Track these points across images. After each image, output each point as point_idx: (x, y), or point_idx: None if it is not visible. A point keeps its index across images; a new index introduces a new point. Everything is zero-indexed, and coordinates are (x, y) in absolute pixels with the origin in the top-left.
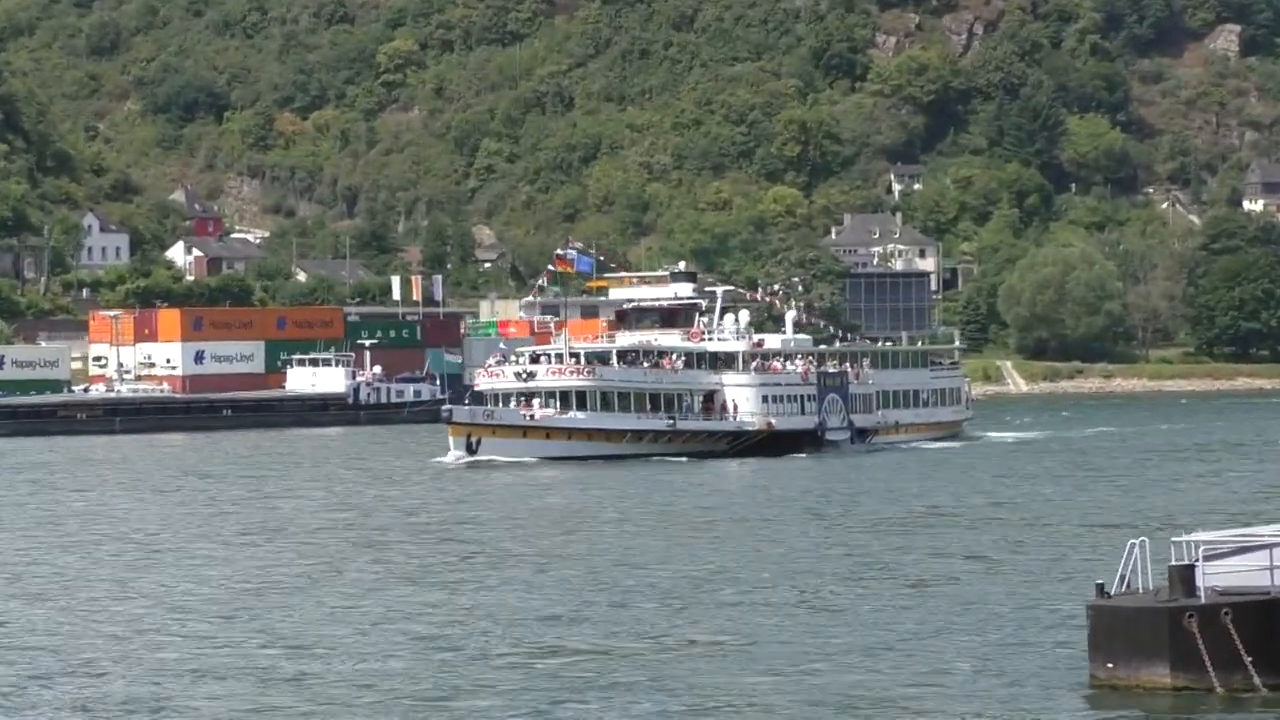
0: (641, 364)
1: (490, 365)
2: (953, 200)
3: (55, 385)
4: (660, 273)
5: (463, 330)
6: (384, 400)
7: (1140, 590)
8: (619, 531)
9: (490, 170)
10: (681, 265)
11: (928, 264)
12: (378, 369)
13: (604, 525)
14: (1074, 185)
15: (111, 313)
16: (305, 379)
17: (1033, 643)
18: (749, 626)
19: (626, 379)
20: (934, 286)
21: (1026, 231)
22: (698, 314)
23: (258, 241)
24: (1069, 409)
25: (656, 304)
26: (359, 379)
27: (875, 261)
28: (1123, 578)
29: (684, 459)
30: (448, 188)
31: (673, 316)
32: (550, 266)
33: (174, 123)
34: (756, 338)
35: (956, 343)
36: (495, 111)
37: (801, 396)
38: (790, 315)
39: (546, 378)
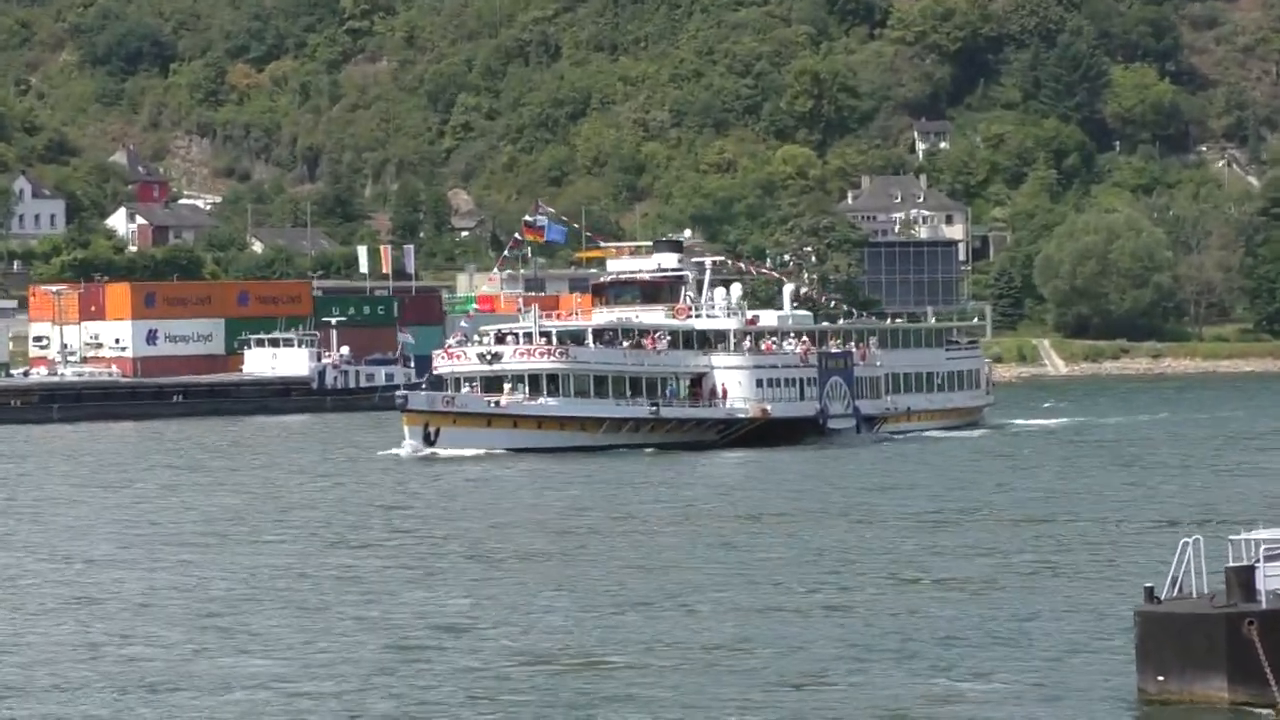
0: (620, 344)
1: (450, 346)
2: (983, 160)
3: None
4: (646, 243)
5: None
6: (352, 384)
7: (1194, 594)
8: (605, 532)
9: (467, 128)
10: (688, 233)
11: (955, 232)
12: (345, 350)
13: (583, 526)
14: (1118, 143)
15: (54, 287)
16: (264, 361)
17: (1075, 653)
18: (770, 633)
19: (604, 361)
20: (962, 257)
21: (1065, 195)
22: (684, 288)
23: (208, 208)
24: (1110, 393)
25: (637, 277)
26: (324, 361)
27: (897, 229)
28: (1174, 580)
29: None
30: (420, 148)
31: (656, 291)
32: (517, 235)
33: (114, 76)
34: (750, 314)
35: (988, 319)
36: (473, 63)
37: (800, 380)
38: (788, 289)
39: (514, 360)
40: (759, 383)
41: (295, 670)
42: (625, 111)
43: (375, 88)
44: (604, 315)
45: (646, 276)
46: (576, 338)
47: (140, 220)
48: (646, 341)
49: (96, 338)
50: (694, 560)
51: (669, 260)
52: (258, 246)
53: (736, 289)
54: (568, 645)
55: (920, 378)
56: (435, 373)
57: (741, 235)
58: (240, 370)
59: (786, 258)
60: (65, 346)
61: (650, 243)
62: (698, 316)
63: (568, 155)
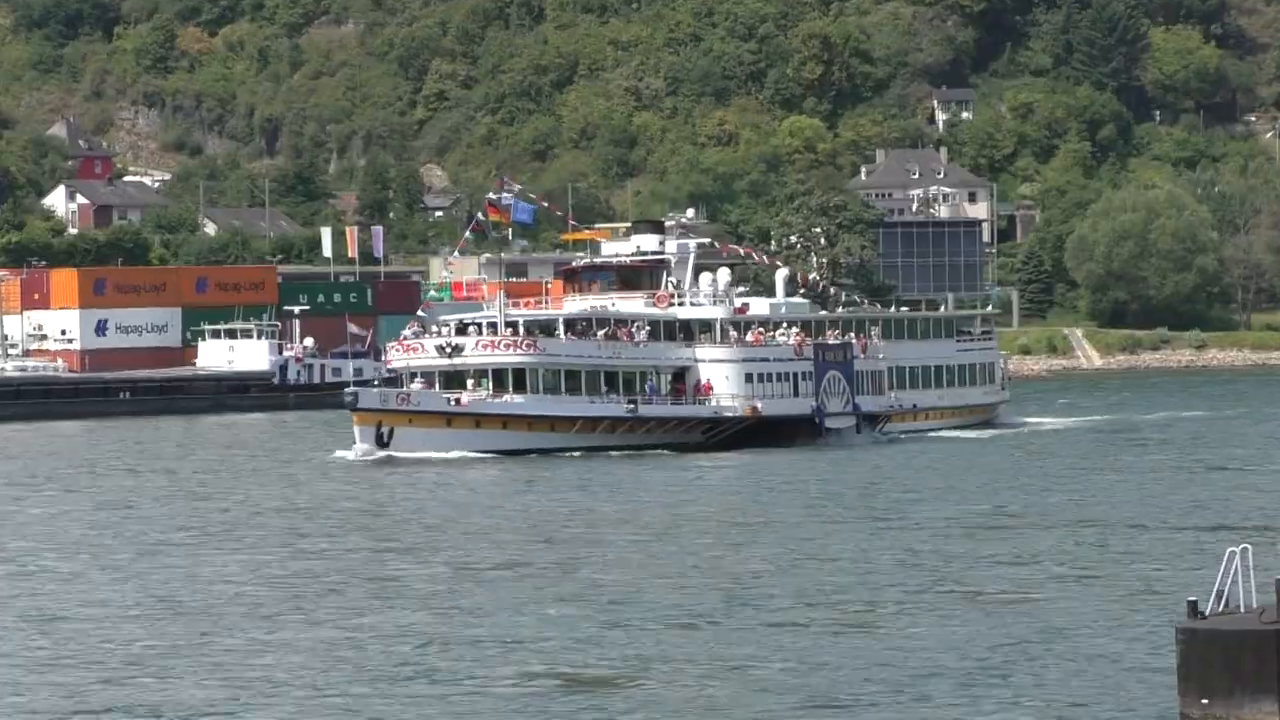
0: (595, 335)
1: (406, 337)
2: (1010, 132)
3: None
4: (625, 223)
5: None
6: (317, 379)
7: (1242, 609)
8: (598, 542)
9: (442, 98)
10: (690, 213)
11: (979, 210)
12: (309, 341)
13: (573, 536)
14: (1158, 113)
15: None
16: (220, 354)
17: (1111, 672)
18: (784, 651)
19: (576, 354)
20: (987, 238)
21: (1100, 170)
22: (665, 273)
23: (156, 186)
24: (1141, 387)
25: (614, 260)
26: (286, 354)
27: (914, 208)
28: (1220, 593)
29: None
30: (390, 119)
31: (634, 276)
32: (480, 216)
33: (53, 40)
34: (739, 303)
35: (1014, 306)
36: (448, 25)
37: (794, 375)
38: (781, 274)
39: (476, 353)
40: (748, 378)
41: (274, 691)
42: (616, 79)
43: (340, 53)
44: (576, 303)
45: (624, 260)
46: (546, 328)
47: (81, 199)
48: (623, 332)
49: (40, 328)
50: (700, 572)
51: (649, 242)
52: (211, 228)
53: (724, 274)
54: (572, 662)
55: (927, 372)
56: (389, 367)
57: (744, 215)
58: (195, 364)
59: (794, 239)
60: (5, 338)
61: (629, 223)
62: (680, 304)
63: (552, 127)
